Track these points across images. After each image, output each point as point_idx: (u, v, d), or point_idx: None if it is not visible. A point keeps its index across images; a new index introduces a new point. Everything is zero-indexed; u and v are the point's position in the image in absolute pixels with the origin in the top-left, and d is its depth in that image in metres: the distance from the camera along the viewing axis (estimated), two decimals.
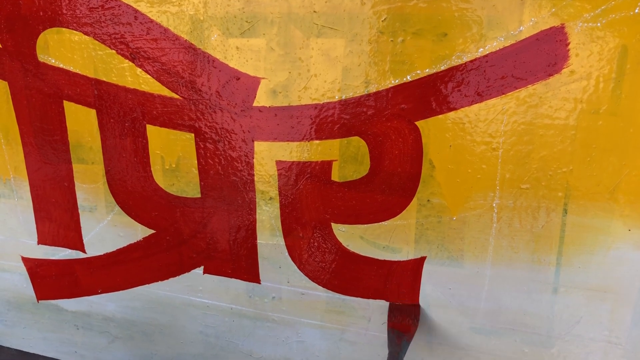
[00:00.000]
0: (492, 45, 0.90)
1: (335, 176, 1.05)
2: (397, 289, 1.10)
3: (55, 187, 1.26)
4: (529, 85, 0.90)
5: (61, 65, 1.14)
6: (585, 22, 0.85)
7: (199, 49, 1.04)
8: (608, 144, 0.89)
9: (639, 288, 0.95)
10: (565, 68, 0.88)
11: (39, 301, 1.44)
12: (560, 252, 0.97)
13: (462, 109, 0.94)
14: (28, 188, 1.29)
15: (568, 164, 0.92)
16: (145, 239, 1.24)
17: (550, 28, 0.87)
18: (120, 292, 1.34)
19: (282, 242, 1.14)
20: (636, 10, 0.82)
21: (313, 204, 1.08)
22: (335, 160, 1.04)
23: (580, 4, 0.84)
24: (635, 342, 0.98)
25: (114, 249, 1.28)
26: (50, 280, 1.40)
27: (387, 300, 1.12)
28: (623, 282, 0.95)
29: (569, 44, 0.86)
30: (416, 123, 0.97)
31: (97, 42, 1.10)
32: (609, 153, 0.89)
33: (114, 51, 1.10)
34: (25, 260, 1.39)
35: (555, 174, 0.93)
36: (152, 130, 1.14)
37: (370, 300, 1.13)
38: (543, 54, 0.88)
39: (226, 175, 1.12)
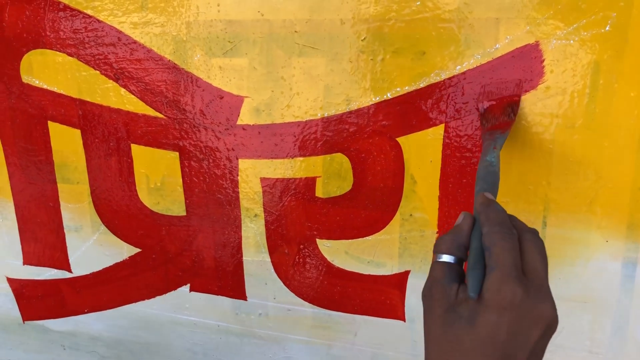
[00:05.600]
0: (470, 62, 0.92)
1: (319, 192, 1.06)
2: (382, 303, 1.11)
3: (41, 207, 1.26)
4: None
5: (45, 86, 1.15)
6: (558, 40, 0.87)
7: (183, 68, 1.05)
8: (584, 158, 0.91)
9: (617, 298, 0.96)
10: (540, 84, 0.90)
11: (25, 322, 1.43)
12: None
13: (441, 125, 0.95)
14: (13, 209, 1.29)
15: (546, 177, 0.94)
16: (131, 257, 1.24)
17: (526, 45, 0.89)
18: (107, 311, 1.33)
19: (267, 258, 1.14)
20: (607, 28, 0.85)
21: (298, 220, 1.09)
22: (319, 177, 1.05)
23: (553, 22, 0.87)
24: (615, 351, 1.00)
25: (100, 268, 1.28)
26: (36, 301, 1.39)
27: (371, 315, 1.12)
28: (602, 292, 0.97)
29: (543, 60, 0.89)
30: (397, 139, 0.98)
31: (81, 63, 1.11)
32: (585, 166, 0.92)
33: (98, 72, 1.10)
34: (11, 281, 1.38)
35: (534, 187, 0.95)
36: (136, 150, 1.14)
37: (356, 315, 1.13)
38: (519, 71, 0.90)
39: (211, 193, 1.12)
